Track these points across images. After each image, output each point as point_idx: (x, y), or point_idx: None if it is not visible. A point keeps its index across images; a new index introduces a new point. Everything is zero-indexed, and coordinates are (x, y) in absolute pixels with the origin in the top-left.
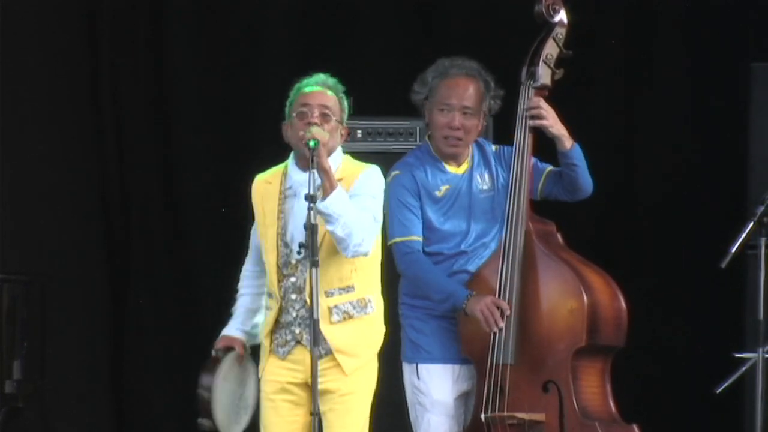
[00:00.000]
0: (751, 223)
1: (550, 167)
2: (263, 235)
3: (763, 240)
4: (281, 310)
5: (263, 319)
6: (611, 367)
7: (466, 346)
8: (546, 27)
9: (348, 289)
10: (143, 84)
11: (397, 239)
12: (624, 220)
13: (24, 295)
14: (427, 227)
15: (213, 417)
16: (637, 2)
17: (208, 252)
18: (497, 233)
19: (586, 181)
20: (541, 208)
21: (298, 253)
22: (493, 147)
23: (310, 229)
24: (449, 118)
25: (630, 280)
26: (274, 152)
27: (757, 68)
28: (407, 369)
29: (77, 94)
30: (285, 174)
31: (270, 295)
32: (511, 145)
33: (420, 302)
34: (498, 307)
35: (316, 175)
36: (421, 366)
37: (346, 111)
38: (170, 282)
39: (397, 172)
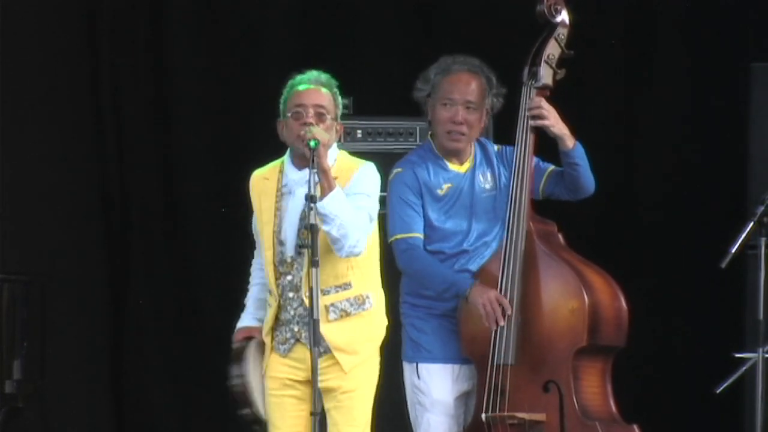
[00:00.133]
0: (751, 223)
1: (552, 167)
2: (261, 232)
3: (763, 240)
4: (280, 308)
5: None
6: (612, 367)
7: (466, 346)
8: (548, 27)
9: (345, 286)
10: (143, 84)
11: (398, 236)
12: (624, 220)
13: (24, 295)
14: (429, 225)
15: (253, 405)
16: (637, 2)
17: (208, 252)
18: (499, 233)
19: (588, 181)
20: (541, 208)
21: (298, 253)
22: (496, 147)
23: (311, 229)
24: (452, 112)
25: (630, 280)
26: (274, 152)
27: (757, 68)
28: (407, 368)
29: (77, 94)
30: (282, 171)
31: (270, 292)
32: (513, 145)
33: (421, 301)
34: (500, 305)
35: (312, 173)
36: (422, 365)
37: (341, 107)
38: (170, 282)
39: (399, 169)
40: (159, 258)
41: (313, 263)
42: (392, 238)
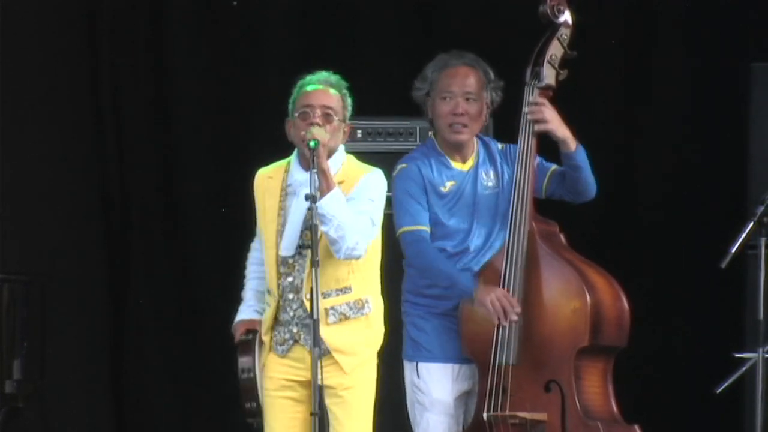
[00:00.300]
0: (751, 223)
1: (554, 166)
2: (263, 230)
3: (763, 240)
4: (279, 308)
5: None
6: (613, 368)
7: (468, 346)
8: (551, 27)
9: (345, 290)
10: (143, 84)
11: (405, 228)
12: (624, 220)
13: (24, 295)
14: (432, 222)
15: (258, 398)
16: (637, 2)
17: (208, 252)
18: (501, 231)
19: (589, 184)
20: (543, 208)
21: (299, 253)
22: (499, 145)
23: (312, 229)
24: (452, 105)
25: (630, 280)
26: (274, 152)
27: (757, 68)
28: (407, 367)
29: (77, 94)
30: (287, 171)
31: (269, 292)
32: (515, 143)
33: (422, 300)
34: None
35: (312, 173)
36: (421, 365)
37: (350, 108)
38: (170, 282)
39: (403, 165)
40: (159, 258)
41: (314, 263)
42: (399, 231)
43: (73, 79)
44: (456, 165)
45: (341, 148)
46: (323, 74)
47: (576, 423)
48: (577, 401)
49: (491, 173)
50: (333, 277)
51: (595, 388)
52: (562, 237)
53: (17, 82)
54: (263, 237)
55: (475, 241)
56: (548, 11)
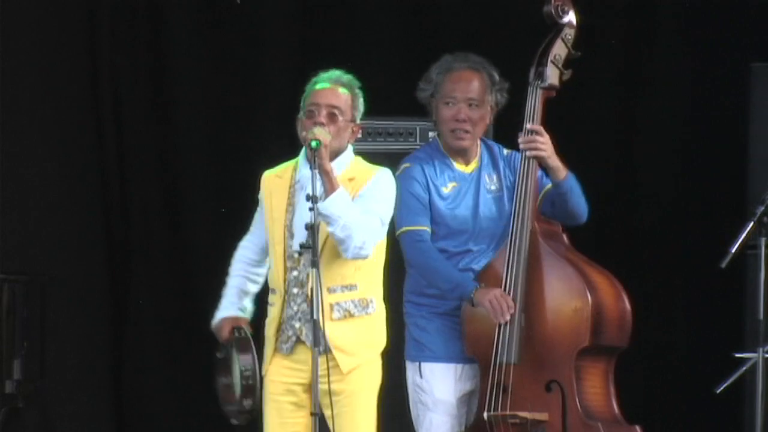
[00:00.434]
0: (751, 223)
1: (550, 185)
2: (271, 228)
3: (763, 240)
4: (284, 305)
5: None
6: (614, 368)
7: (470, 345)
8: (555, 28)
9: (351, 287)
10: (143, 84)
11: (406, 228)
12: (624, 219)
13: (24, 295)
14: (435, 221)
15: (257, 397)
16: (637, 2)
17: (208, 252)
18: (503, 233)
19: (578, 209)
20: None
21: (299, 253)
22: (505, 151)
23: (312, 229)
24: (455, 110)
25: (630, 280)
26: (275, 152)
27: (757, 68)
28: (410, 367)
29: (77, 94)
30: (295, 169)
31: (273, 291)
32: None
33: (425, 300)
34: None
35: (314, 174)
36: (424, 365)
37: (360, 108)
38: (170, 282)
39: (407, 164)
40: (159, 258)
41: (312, 263)
42: (400, 231)
43: (73, 79)
44: (459, 167)
45: (349, 147)
46: (336, 73)
47: (577, 423)
48: (577, 401)
49: (494, 177)
50: (339, 274)
51: (596, 389)
52: (564, 237)
53: (17, 82)
54: (271, 235)
55: (477, 242)
56: (552, 11)
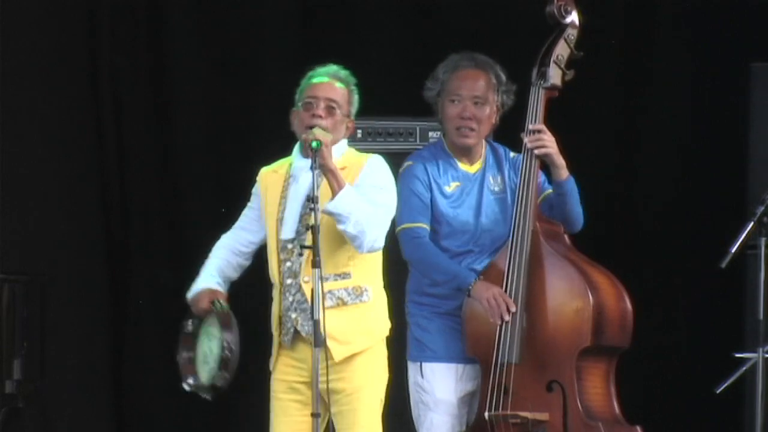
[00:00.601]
0: (751, 223)
1: (550, 189)
2: (266, 222)
3: (763, 240)
4: (281, 296)
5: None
6: (615, 369)
7: (471, 345)
8: (557, 28)
9: (344, 275)
10: (143, 84)
11: (405, 225)
12: (623, 219)
13: (24, 295)
14: (437, 220)
15: (231, 372)
16: (637, 2)
17: (208, 252)
18: (506, 234)
19: (575, 215)
20: None
21: (300, 254)
22: (512, 153)
23: (313, 230)
24: (460, 108)
25: (630, 280)
26: (275, 152)
27: (757, 68)
28: (412, 368)
29: (77, 95)
30: (291, 164)
31: (273, 285)
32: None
33: (426, 299)
34: (504, 301)
35: (315, 174)
36: (425, 365)
37: (356, 104)
38: (170, 282)
39: (410, 162)
40: (159, 258)
41: (314, 263)
42: (398, 228)
43: (73, 80)
44: (463, 167)
45: (343, 141)
46: (333, 67)
47: (577, 423)
48: (578, 402)
49: (499, 178)
50: (332, 263)
51: (597, 389)
52: (566, 237)
53: (17, 82)
54: (267, 228)
55: (480, 242)
56: (555, 11)
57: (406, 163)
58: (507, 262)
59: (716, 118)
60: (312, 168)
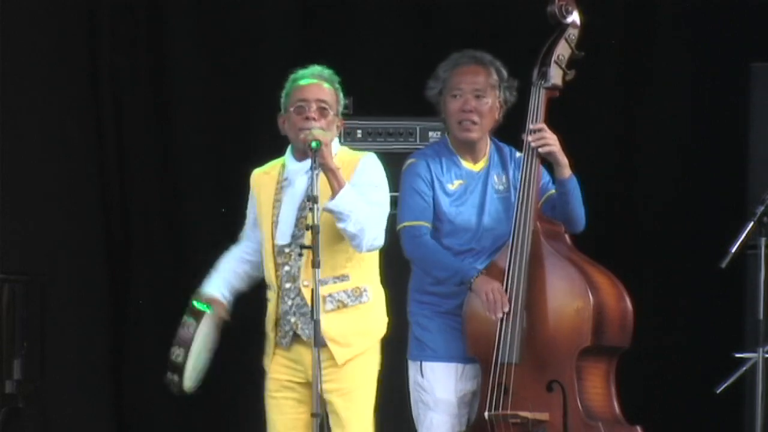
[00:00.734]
0: (751, 223)
1: (553, 190)
2: (260, 224)
3: (763, 240)
4: (279, 300)
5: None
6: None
7: (471, 345)
8: (558, 28)
9: (342, 278)
10: (143, 84)
11: (406, 223)
12: (624, 219)
13: (24, 295)
14: (439, 218)
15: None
16: (637, 2)
17: (208, 253)
18: (508, 234)
19: (577, 215)
20: None
21: (300, 254)
22: (517, 153)
23: (313, 230)
24: (461, 102)
25: (630, 280)
26: (275, 152)
27: (757, 68)
28: (412, 367)
29: (77, 95)
30: (283, 166)
31: (269, 287)
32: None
33: (427, 298)
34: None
35: (315, 174)
36: (426, 364)
37: (342, 102)
38: (170, 282)
39: (413, 160)
40: (159, 258)
41: (314, 264)
42: (400, 226)
43: (73, 80)
44: (466, 165)
45: (336, 140)
46: (316, 68)
47: (578, 423)
48: (579, 402)
49: (503, 177)
50: (330, 265)
51: (598, 389)
52: (567, 237)
53: (17, 82)
54: (261, 232)
55: (482, 241)
56: (556, 11)
57: (409, 161)
58: (507, 261)
59: (716, 118)
60: (312, 168)
